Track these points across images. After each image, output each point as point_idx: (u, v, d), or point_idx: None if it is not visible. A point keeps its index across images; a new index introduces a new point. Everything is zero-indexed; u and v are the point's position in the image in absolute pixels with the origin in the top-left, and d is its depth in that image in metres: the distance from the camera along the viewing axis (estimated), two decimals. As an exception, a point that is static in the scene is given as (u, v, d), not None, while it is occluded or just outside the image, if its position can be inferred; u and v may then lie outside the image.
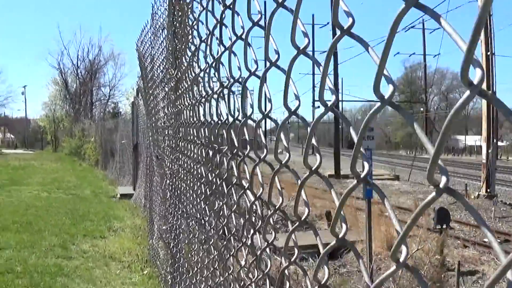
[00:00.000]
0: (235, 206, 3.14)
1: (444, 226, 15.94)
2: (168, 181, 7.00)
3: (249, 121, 2.71)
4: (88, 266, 10.88)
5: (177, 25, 5.61)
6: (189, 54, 4.61)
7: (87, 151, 47.80)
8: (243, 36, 2.55)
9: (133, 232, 14.39)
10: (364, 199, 12.63)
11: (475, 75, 1.04)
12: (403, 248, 1.34)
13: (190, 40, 4.50)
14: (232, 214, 3.22)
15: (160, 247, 9.17)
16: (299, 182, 1.90)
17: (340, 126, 48.07)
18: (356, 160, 1.40)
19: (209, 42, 3.51)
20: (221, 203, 3.44)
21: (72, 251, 12.25)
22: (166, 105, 7.07)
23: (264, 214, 2.59)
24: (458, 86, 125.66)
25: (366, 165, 1.42)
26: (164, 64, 7.14)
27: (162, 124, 7.85)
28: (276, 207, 2.30)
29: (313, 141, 1.76)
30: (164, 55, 7.19)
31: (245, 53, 2.46)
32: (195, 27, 4.08)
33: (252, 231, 2.76)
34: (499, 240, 17.35)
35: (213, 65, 3.43)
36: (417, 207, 1.15)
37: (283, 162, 2.08)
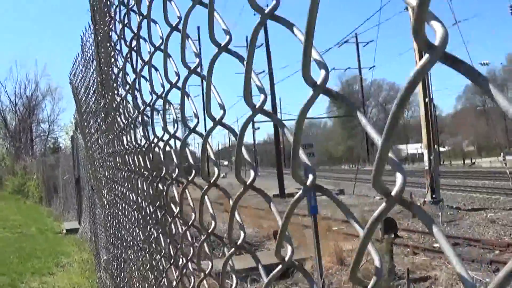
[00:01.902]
0: (167, 232, 3.01)
1: (392, 236, 15.96)
2: (106, 212, 6.89)
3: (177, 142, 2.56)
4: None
5: (102, 55, 5.52)
6: (111, 83, 4.55)
7: (30, 189, 47.09)
8: (162, 47, 2.40)
9: (81, 267, 14.21)
10: (309, 216, 12.58)
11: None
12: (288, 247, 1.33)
13: (111, 70, 4.45)
14: (164, 239, 3.09)
15: (108, 278, 8.97)
16: (231, 201, 1.71)
17: (281, 146, 48.13)
18: (297, 166, 1.22)
19: (125, 69, 3.49)
20: (153, 230, 3.33)
21: (22, 290, 11.98)
22: (99, 136, 6.97)
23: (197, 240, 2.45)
24: (395, 96, 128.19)
25: (311, 176, 1.24)
26: (95, 95, 7.03)
27: (98, 155, 7.74)
28: (209, 231, 2.11)
29: (244, 152, 1.58)
30: (94, 87, 7.08)
31: (165, 66, 2.30)
32: (115, 56, 4.04)
33: (184, 260, 2.61)
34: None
35: (129, 91, 3.38)
36: (368, 221, 0.96)
37: (211, 181, 1.90)
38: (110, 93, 4.88)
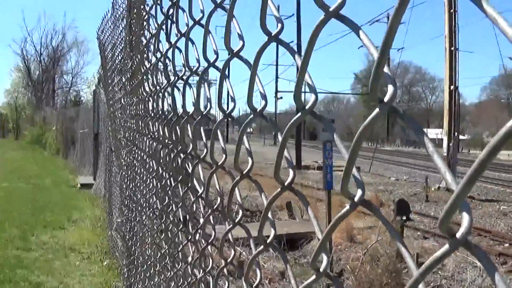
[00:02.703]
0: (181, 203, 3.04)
1: (404, 218, 15.92)
2: (123, 173, 6.89)
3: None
4: (47, 258, 10.79)
5: (133, 16, 5.48)
6: (141, 47, 4.52)
7: (48, 140, 47.27)
8: (203, 22, 2.34)
9: (93, 223, 14.24)
10: (324, 190, 12.63)
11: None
12: (324, 257, 1.28)
13: (142, 34, 4.41)
14: (183, 215, 3.09)
15: (119, 239, 9.02)
16: (263, 196, 1.74)
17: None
18: (347, 181, 1.20)
19: (158, 36, 3.48)
20: (171, 202, 3.33)
21: (32, 242, 12.11)
22: (123, 96, 6.94)
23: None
24: (421, 79, 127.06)
25: (359, 191, 1.21)
26: (122, 54, 7.00)
27: (119, 115, 7.72)
28: (235, 221, 2.11)
29: (286, 153, 1.55)
30: (122, 46, 7.04)
31: (204, 42, 2.25)
32: (148, 20, 4.01)
33: (204, 242, 2.63)
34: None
35: (161, 59, 3.35)
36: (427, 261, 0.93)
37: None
38: (139, 56, 4.85)
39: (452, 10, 28.54)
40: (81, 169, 27.79)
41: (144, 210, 4.82)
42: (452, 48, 28.43)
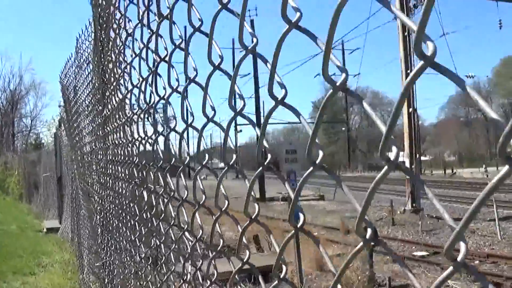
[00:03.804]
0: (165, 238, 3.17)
1: (373, 243, 16.03)
2: (99, 217, 6.89)
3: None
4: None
5: (105, 63, 5.54)
6: (119, 95, 4.56)
7: (10, 185, 46.67)
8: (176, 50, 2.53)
9: (63, 268, 14.10)
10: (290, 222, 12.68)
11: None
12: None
13: (120, 81, 4.47)
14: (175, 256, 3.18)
15: (92, 281, 8.98)
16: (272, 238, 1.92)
17: (263, 149, 48.21)
18: (362, 220, 1.32)
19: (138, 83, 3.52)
20: (155, 240, 3.42)
21: (4, 290, 11.93)
22: (94, 141, 6.97)
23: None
24: (379, 104, 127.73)
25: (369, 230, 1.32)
26: (90, 99, 7.04)
27: (89, 159, 7.73)
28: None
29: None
30: (89, 90, 7.10)
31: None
32: (122, 67, 4.10)
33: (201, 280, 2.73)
34: (428, 253, 17.76)
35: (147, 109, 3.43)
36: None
37: (252, 217, 2.02)
38: (114, 103, 4.89)
39: (406, 33, 29.02)
40: (46, 213, 27.47)
41: (124, 252, 4.85)
42: (408, 71, 28.84)
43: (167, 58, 2.66)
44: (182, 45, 2.47)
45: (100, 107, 5.96)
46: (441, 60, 0.97)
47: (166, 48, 2.71)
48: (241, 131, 75.79)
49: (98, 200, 6.92)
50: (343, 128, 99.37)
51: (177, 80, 2.60)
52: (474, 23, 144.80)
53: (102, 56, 5.77)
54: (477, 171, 67.99)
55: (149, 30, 3.05)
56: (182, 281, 2.93)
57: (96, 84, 6.26)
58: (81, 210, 10.43)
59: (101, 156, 6.25)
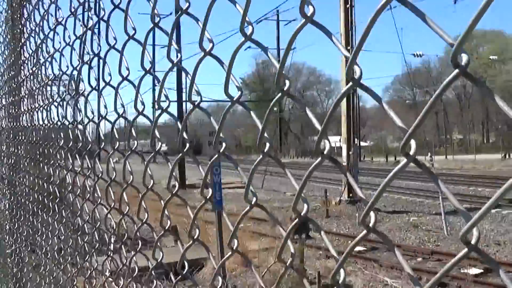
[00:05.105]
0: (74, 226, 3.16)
1: (304, 236, 16.14)
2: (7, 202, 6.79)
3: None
4: None
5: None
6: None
7: None
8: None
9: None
10: (213, 211, 12.54)
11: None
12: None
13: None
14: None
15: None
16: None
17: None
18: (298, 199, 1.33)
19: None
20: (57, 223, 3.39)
21: None
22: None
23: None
24: (315, 82, 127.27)
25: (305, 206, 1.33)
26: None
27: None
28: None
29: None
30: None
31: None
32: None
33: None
34: (365, 248, 17.87)
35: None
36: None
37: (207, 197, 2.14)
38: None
39: (348, 5, 29.01)
40: None
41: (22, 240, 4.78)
42: (349, 48, 29.00)
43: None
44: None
45: (13, 72, 5.84)
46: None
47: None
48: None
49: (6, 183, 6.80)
50: (275, 109, 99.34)
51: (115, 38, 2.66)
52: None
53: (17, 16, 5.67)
54: (423, 159, 68.58)
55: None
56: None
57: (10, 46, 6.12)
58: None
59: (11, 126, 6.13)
